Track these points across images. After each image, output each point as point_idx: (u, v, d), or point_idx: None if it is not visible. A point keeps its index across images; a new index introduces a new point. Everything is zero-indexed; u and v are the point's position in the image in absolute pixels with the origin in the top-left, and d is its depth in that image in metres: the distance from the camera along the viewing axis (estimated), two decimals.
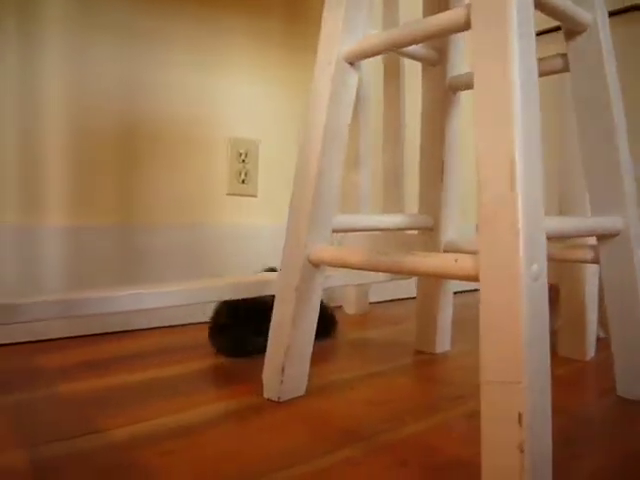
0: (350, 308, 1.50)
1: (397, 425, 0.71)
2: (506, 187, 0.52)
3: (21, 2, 1.05)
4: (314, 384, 0.83)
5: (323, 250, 0.74)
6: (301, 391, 0.78)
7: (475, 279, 0.55)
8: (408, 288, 1.74)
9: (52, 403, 0.76)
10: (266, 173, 1.41)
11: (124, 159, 1.19)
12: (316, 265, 0.75)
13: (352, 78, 0.77)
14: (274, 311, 0.77)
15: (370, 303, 1.61)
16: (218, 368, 0.94)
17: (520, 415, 0.48)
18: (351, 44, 0.75)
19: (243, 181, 1.36)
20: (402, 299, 1.75)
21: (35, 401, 0.76)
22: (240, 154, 1.35)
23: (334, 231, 0.78)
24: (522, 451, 0.48)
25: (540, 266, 0.51)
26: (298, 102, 1.46)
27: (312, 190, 0.74)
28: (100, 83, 1.15)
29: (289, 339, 0.75)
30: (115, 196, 1.18)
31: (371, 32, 0.80)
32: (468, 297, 1.74)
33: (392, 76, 1.29)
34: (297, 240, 0.75)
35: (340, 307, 1.52)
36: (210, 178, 1.31)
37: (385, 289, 1.68)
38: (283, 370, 0.75)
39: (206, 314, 1.04)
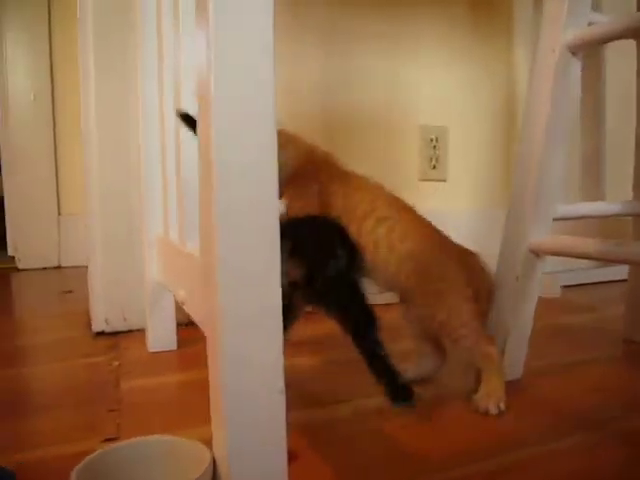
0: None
1: (626, 414, 0.71)
2: None
3: None
4: (527, 368, 0.85)
5: (546, 240, 0.76)
6: (518, 374, 0.82)
7: None
8: (603, 272, 1.65)
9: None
10: (454, 158, 1.44)
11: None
12: (537, 255, 0.78)
13: (575, 70, 0.76)
14: (495, 297, 0.81)
15: (562, 287, 1.56)
16: None
17: None
18: (575, 31, 0.74)
19: (434, 167, 1.40)
20: (596, 283, 1.67)
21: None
22: (431, 140, 1.39)
23: (554, 220, 0.79)
24: None
25: None
26: (483, 90, 1.45)
27: (534, 181, 0.76)
28: (305, 77, 1.25)
29: (509, 326, 0.78)
30: None
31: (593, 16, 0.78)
32: None
33: (592, 55, 1.23)
34: (518, 230, 0.78)
35: None
36: (403, 164, 1.37)
37: (578, 273, 1.61)
38: (503, 354, 0.79)
39: None
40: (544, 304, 1.39)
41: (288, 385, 0.43)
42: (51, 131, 2.17)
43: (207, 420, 0.49)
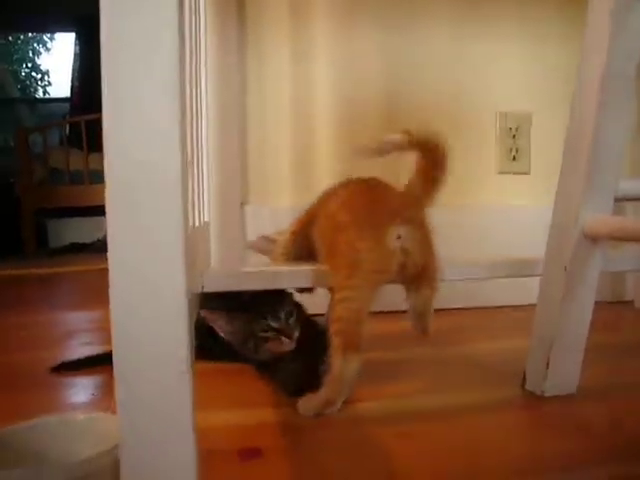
0: None
1: None
2: None
3: (293, 3, 1.15)
4: (591, 384, 0.68)
5: (603, 221, 0.61)
6: (570, 389, 0.66)
7: None
8: None
9: None
10: (540, 148, 1.26)
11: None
12: (593, 240, 0.62)
13: (638, 12, 0.61)
14: (540, 293, 0.67)
15: None
16: (477, 353, 0.87)
17: None
18: None
19: (514, 158, 1.24)
20: None
21: None
22: (510, 129, 1.23)
23: (617, 200, 0.64)
24: None
25: None
26: (575, 68, 1.26)
27: (587, 150, 0.62)
28: (363, 63, 1.18)
29: (556, 327, 0.64)
30: (377, 175, 1.20)
31: None
32: None
33: None
34: (568, 209, 0.64)
35: (630, 303, 1.27)
36: (478, 156, 1.23)
37: None
38: (548, 362, 0.64)
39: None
40: None
41: None
42: None
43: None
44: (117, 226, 0.38)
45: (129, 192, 0.38)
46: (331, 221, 0.65)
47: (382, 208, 0.63)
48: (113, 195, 0.38)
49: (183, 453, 0.39)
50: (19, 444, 0.44)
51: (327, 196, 0.72)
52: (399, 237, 0.60)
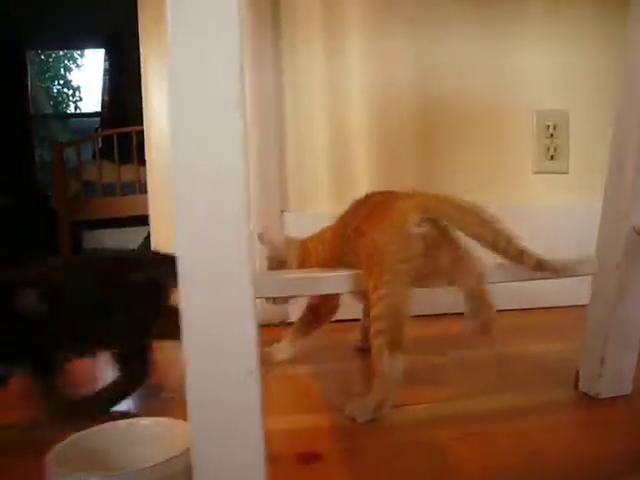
0: None
1: None
2: None
3: (326, 8, 1.16)
4: None
5: None
6: (626, 389, 0.65)
7: None
8: None
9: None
10: (579, 147, 1.25)
11: (421, 138, 1.19)
12: None
13: None
14: (592, 292, 0.66)
15: None
16: (526, 355, 0.86)
17: None
18: None
19: (552, 157, 1.23)
20: None
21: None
22: (547, 127, 1.22)
23: None
24: None
25: None
26: (614, 65, 1.25)
27: (635, 146, 0.61)
28: (397, 65, 1.18)
29: (610, 325, 0.63)
30: (414, 176, 1.19)
31: None
32: None
33: None
34: (618, 206, 0.63)
35: None
36: (514, 155, 1.22)
37: None
38: (602, 362, 0.64)
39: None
40: None
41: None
42: None
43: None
44: (184, 227, 0.39)
45: (194, 194, 0.39)
46: (356, 232, 0.67)
47: (398, 204, 0.64)
48: (180, 196, 0.39)
49: (253, 455, 0.40)
50: (89, 449, 0.45)
51: (355, 206, 0.74)
52: (419, 224, 0.61)
